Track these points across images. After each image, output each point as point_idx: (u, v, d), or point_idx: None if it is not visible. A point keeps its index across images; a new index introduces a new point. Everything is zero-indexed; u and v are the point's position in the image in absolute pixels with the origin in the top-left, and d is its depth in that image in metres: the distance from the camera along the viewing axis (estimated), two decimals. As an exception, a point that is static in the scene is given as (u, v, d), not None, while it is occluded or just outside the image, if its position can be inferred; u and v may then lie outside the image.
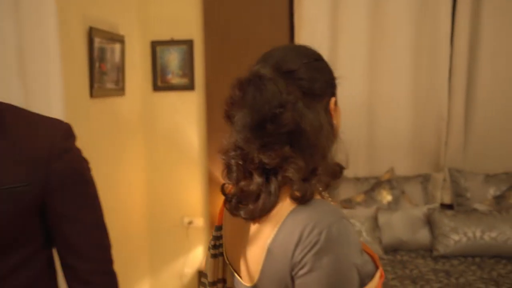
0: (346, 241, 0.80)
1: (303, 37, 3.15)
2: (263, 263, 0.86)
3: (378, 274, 0.89)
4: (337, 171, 0.89)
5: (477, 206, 3.04)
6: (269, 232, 0.85)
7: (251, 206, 0.87)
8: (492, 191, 3.10)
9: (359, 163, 3.27)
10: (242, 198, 0.90)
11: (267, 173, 0.87)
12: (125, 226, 3.02)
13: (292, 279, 0.82)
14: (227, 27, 3.28)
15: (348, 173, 3.22)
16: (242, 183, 0.89)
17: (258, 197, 0.87)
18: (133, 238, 3.13)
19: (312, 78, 0.89)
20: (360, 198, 3.09)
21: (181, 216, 3.35)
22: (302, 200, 0.83)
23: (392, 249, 2.93)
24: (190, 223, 3.32)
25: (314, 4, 3.15)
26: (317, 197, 0.85)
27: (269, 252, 0.84)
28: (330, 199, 0.92)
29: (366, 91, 3.24)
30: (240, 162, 0.88)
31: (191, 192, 3.36)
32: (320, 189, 0.88)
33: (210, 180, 3.32)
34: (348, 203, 3.07)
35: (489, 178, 3.15)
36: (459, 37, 3.15)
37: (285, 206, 0.85)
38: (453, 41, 3.17)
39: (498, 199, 3.05)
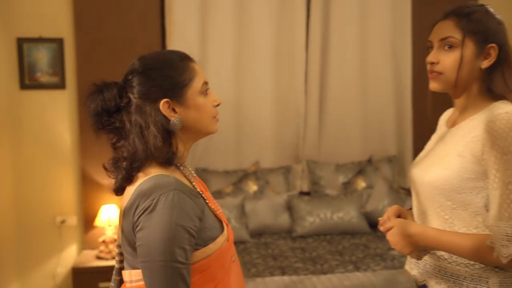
0: (174, 206, 1.01)
1: (174, 41, 3.34)
2: (121, 224, 1.10)
3: (221, 239, 1.12)
4: (169, 157, 1.10)
5: (329, 191, 3.52)
6: (126, 199, 1.09)
7: (114, 182, 1.14)
8: (341, 179, 3.60)
9: (228, 158, 3.56)
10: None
11: None
12: (-8, 228, 2.92)
13: (135, 236, 1.05)
14: (98, 27, 3.31)
15: (218, 166, 3.52)
16: None
17: (117, 176, 1.12)
18: None
19: (141, 84, 1.10)
20: (229, 189, 3.38)
21: (53, 215, 3.32)
22: (126, 181, 1.10)
23: (258, 233, 3.26)
24: (62, 222, 3.31)
25: (184, 11, 3.36)
26: (161, 172, 1.09)
27: (123, 215, 1.09)
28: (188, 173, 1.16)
29: (233, 92, 3.53)
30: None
31: (63, 191, 3.34)
32: (179, 165, 1.14)
33: (84, 178, 3.32)
34: (218, 194, 3.33)
35: (339, 167, 3.64)
36: (313, 45, 3.60)
37: (139, 179, 1.09)
38: (308, 49, 3.62)
39: (346, 185, 3.56)
